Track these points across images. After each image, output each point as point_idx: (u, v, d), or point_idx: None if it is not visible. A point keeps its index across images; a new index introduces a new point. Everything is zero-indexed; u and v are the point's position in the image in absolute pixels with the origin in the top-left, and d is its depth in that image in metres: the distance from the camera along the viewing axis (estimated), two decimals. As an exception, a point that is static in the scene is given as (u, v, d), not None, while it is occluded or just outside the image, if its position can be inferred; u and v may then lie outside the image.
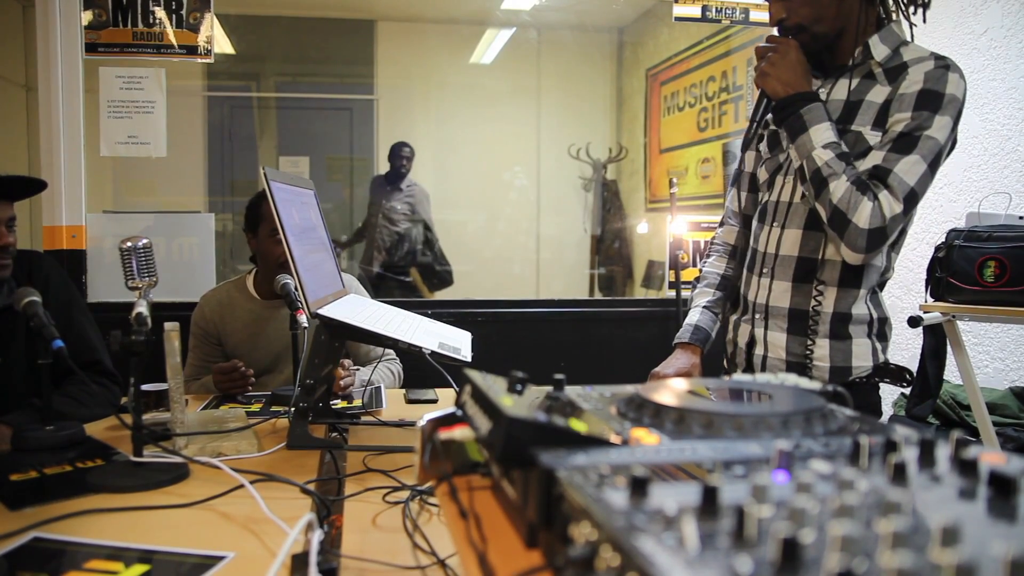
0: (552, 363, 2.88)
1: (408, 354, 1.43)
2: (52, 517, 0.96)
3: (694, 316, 1.60)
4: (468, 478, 0.64)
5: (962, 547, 0.34)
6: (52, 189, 2.50)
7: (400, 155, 4.50)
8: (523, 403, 0.57)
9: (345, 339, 1.65)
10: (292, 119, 5.33)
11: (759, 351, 1.47)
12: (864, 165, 1.30)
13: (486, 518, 0.56)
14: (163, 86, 2.65)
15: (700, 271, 1.68)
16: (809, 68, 1.38)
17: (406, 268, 4.53)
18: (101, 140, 2.63)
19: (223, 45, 4.32)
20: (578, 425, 0.54)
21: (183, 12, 2.64)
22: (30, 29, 3.66)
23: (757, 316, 1.47)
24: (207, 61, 2.70)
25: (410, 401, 1.80)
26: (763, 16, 3.02)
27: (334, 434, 1.47)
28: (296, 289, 1.47)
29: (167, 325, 1.27)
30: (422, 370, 1.47)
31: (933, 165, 1.27)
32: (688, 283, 3.07)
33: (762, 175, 1.52)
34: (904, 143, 1.27)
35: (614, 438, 0.53)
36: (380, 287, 4.43)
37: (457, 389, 0.68)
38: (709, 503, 0.39)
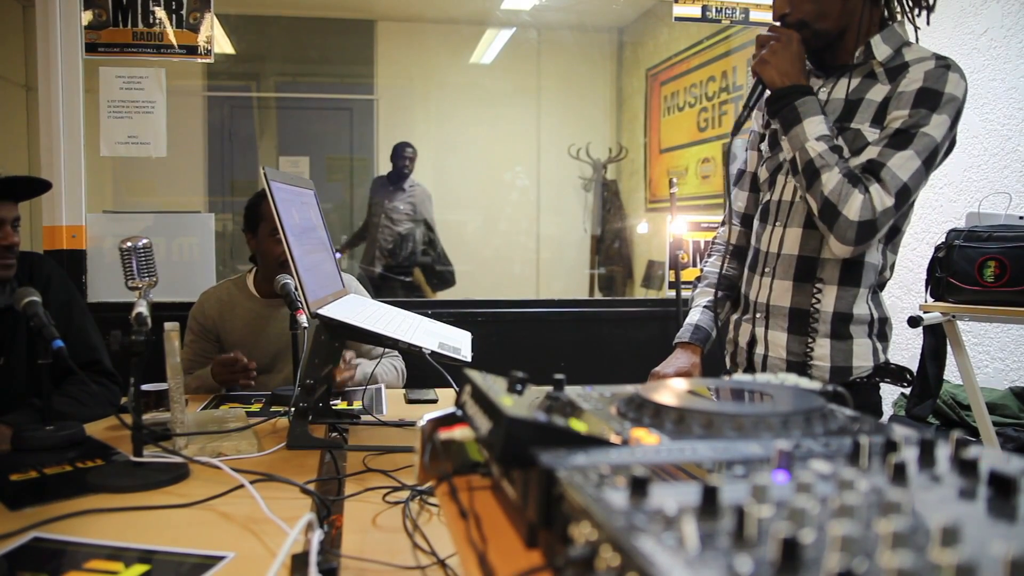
0: (552, 363, 2.88)
1: (408, 354, 1.43)
2: (52, 517, 0.96)
3: (694, 316, 1.60)
4: (468, 478, 0.64)
5: (962, 547, 0.34)
6: (52, 189, 2.50)
7: (403, 155, 4.50)
8: (523, 403, 0.57)
9: (345, 339, 1.65)
10: (292, 119, 5.33)
11: (760, 350, 1.47)
12: (859, 160, 1.30)
13: (486, 518, 0.56)
14: (163, 86, 2.65)
15: (701, 271, 1.68)
16: (806, 64, 1.38)
17: (409, 268, 4.53)
18: (101, 140, 2.63)
19: (223, 45, 4.32)
20: (578, 425, 0.54)
21: (183, 12, 2.64)
22: (30, 29, 3.66)
23: (758, 315, 1.47)
24: (207, 61, 2.70)
25: (410, 401, 1.80)
26: (763, 16, 3.02)
27: (334, 434, 1.47)
28: (296, 289, 1.47)
29: (167, 325, 1.27)
30: (422, 370, 1.47)
31: (928, 162, 1.27)
32: (688, 283, 3.07)
33: (763, 174, 1.52)
34: (900, 139, 1.27)
35: (614, 438, 0.53)
36: (382, 287, 4.43)
37: (457, 389, 0.68)
38: (709, 503, 0.39)
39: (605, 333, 3.04)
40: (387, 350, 2.12)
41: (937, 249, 2.28)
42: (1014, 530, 0.39)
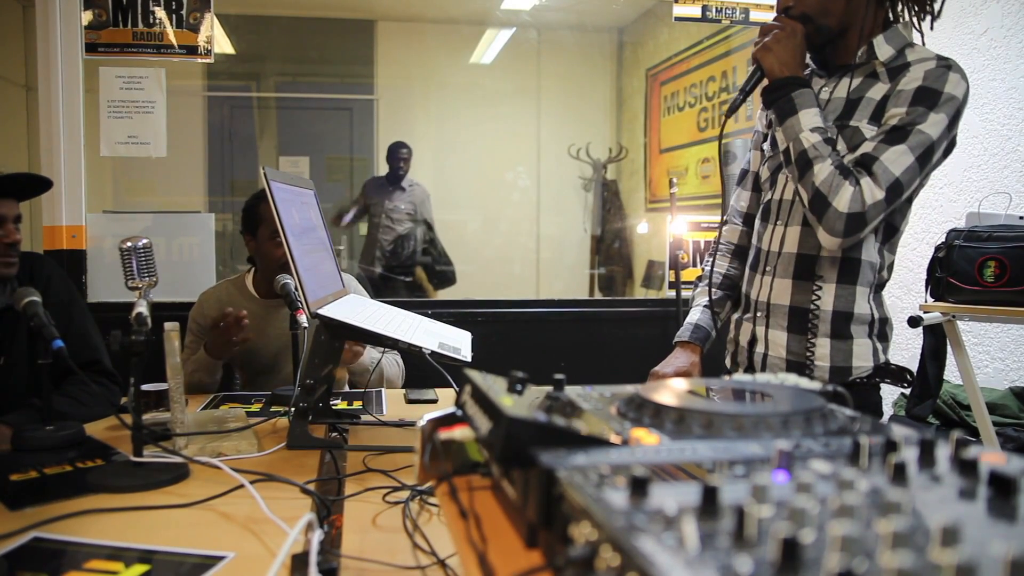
0: (552, 363, 2.88)
1: (408, 354, 1.43)
2: (52, 517, 0.96)
3: (694, 315, 1.60)
4: (468, 478, 0.64)
5: (962, 547, 0.34)
6: (52, 189, 2.50)
7: (398, 156, 4.50)
8: (523, 403, 0.57)
9: (345, 339, 1.65)
10: (292, 119, 5.33)
11: (760, 349, 1.47)
12: (854, 155, 1.30)
13: (486, 518, 0.56)
14: (163, 86, 2.65)
15: (702, 270, 1.68)
16: (807, 59, 1.39)
17: (411, 268, 4.53)
18: (101, 140, 2.63)
19: (223, 45, 4.32)
20: (578, 425, 0.54)
21: (183, 12, 2.64)
22: (30, 29, 3.66)
23: (759, 314, 1.47)
24: (207, 61, 2.70)
25: (410, 401, 1.80)
26: (763, 16, 3.02)
27: (334, 434, 1.47)
28: (296, 289, 1.47)
29: (167, 325, 1.27)
30: (422, 370, 1.47)
31: (922, 159, 1.26)
32: (688, 283, 3.07)
33: (764, 173, 1.52)
34: (895, 135, 1.27)
35: (614, 438, 0.53)
36: (384, 287, 4.43)
37: (457, 389, 0.68)
38: (709, 503, 0.39)
39: (605, 333, 3.04)
40: (387, 350, 2.12)
41: (937, 249, 2.28)
42: (1014, 530, 0.39)
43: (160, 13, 2.62)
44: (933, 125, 1.26)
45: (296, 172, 4.99)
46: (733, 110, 1.41)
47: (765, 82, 1.41)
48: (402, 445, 1.34)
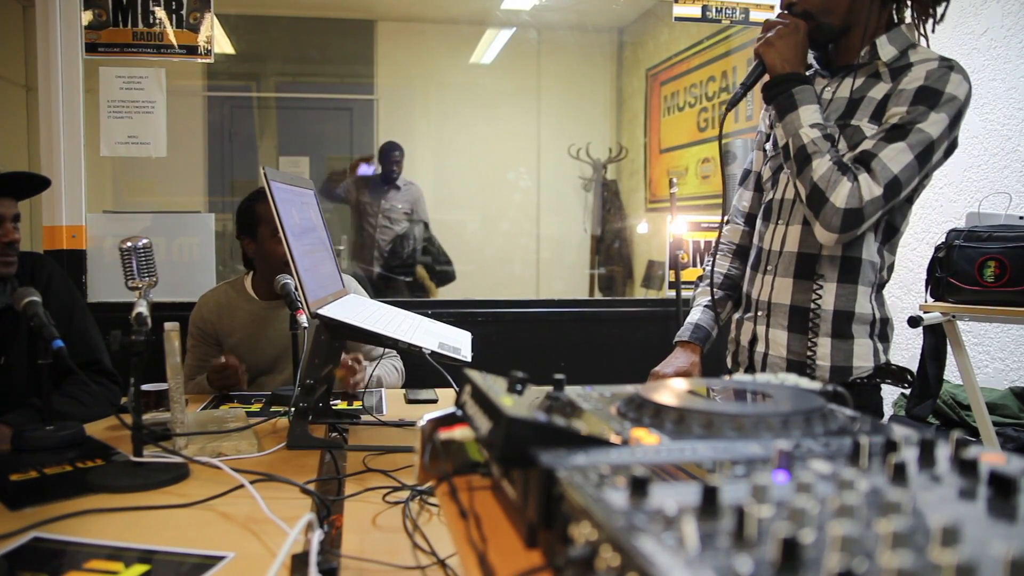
0: (552, 363, 2.88)
1: (408, 354, 1.43)
2: (52, 517, 0.96)
3: (695, 315, 1.60)
4: (468, 478, 0.64)
5: (962, 547, 0.34)
6: (52, 189, 2.50)
7: (391, 159, 4.49)
8: (523, 403, 0.57)
9: (345, 339, 1.65)
10: (292, 119, 5.33)
11: (760, 348, 1.47)
12: (853, 152, 1.31)
13: (486, 518, 0.56)
14: (163, 86, 2.65)
15: (703, 270, 1.68)
16: (808, 57, 1.39)
17: (411, 267, 4.53)
18: (101, 140, 2.63)
19: (223, 45, 4.32)
20: (578, 425, 0.54)
21: (183, 12, 2.64)
22: (30, 29, 3.66)
23: (760, 313, 1.47)
24: (207, 61, 2.70)
25: (410, 401, 1.80)
26: (763, 16, 3.02)
27: (334, 434, 1.47)
28: (296, 289, 1.47)
29: (167, 325, 1.27)
30: (422, 370, 1.47)
31: (921, 157, 1.26)
32: (688, 283, 3.07)
33: (766, 173, 1.52)
34: (894, 133, 1.27)
35: (614, 438, 0.53)
36: (385, 287, 4.42)
37: (457, 389, 0.68)
38: (709, 503, 0.39)
39: (605, 333, 3.04)
40: (386, 350, 2.12)
41: (937, 249, 2.28)
42: (1014, 530, 0.39)
43: (160, 13, 2.62)
44: (933, 124, 1.26)
45: (296, 172, 4.99)
46: (733, 104, 1.42)
47: (766, 78, 1.41)
48: (402, 445, 1.34)
